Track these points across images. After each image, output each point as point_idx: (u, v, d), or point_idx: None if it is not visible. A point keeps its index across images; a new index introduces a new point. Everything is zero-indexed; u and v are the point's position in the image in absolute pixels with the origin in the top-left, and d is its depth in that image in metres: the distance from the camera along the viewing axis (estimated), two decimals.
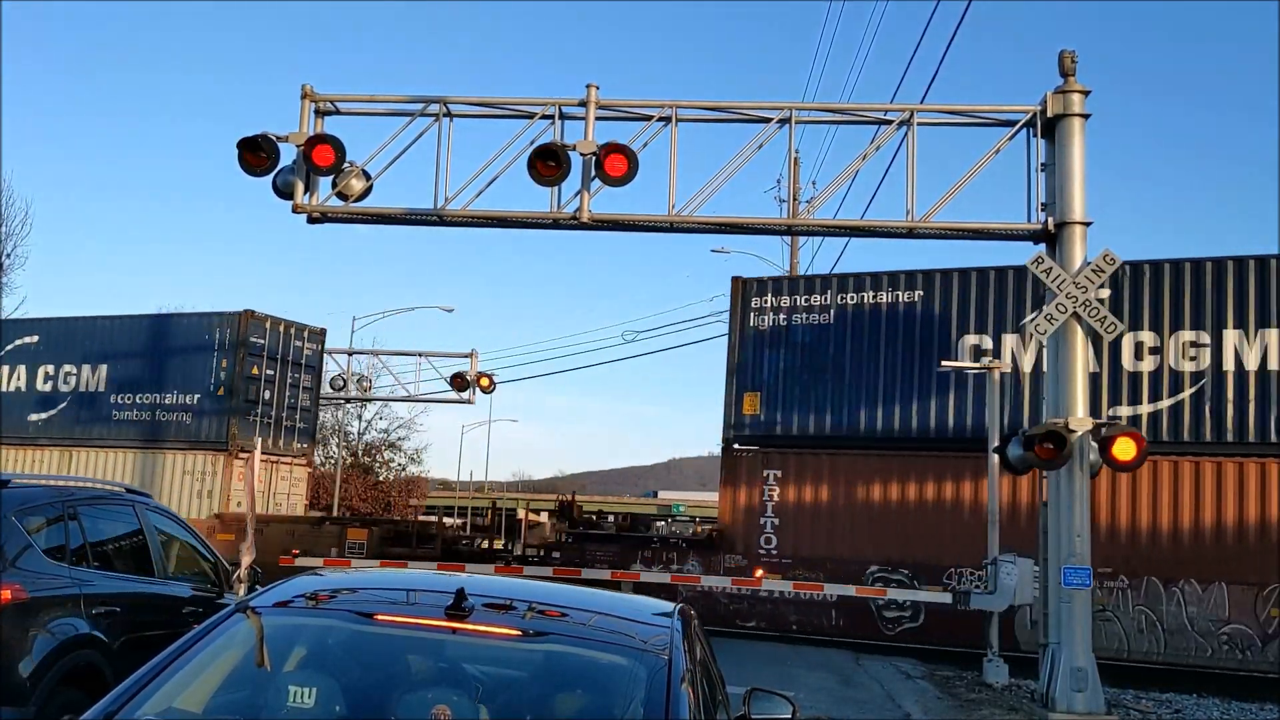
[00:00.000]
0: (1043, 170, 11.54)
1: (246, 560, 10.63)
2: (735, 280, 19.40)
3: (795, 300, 18.84)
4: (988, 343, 17.40)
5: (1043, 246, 11.41)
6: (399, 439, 52.26)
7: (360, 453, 50.54)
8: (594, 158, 11.49)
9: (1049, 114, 11.36)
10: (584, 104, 11.87)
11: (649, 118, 12.05)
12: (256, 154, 11.70)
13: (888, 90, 42.03)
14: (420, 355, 27.20)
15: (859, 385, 18.14)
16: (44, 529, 6.67)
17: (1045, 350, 11.62)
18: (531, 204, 12.18)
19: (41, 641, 6.13)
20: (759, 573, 16.69)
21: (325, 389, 25.01)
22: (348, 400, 34.47)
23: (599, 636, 3.72)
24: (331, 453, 47.61)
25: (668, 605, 4.19)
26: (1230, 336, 15.63)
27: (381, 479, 49.93)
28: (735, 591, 16.42)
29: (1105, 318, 10.84)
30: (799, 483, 18.31)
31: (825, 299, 18.63)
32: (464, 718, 3.27)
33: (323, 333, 23.01)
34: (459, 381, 26.29)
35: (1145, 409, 16.29)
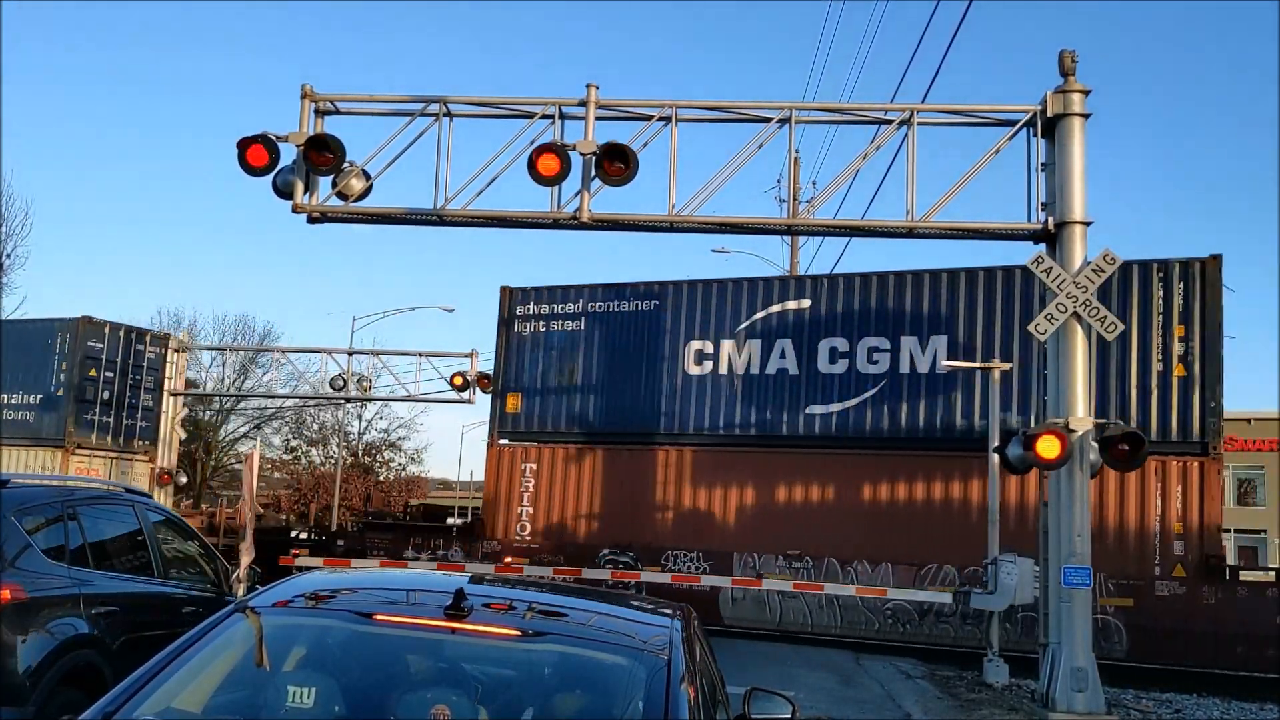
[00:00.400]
0: (1043, 170, 11.51)
1: (246, 560, 10.66)
2: (503, 289, 20.94)
3: (554, 308, 20.53)
4: (709, 347, 19.24)
5: (1043, 246, 11.38)
6: (399, 439, 52.30)
7: (360, 453, 50.53)
8: (594, 157, 11.47)
9: (1049, 114, 11.33)
10: (584, 104, 11.85)
11: (649, 118, 12.04)
12: (256, 154, 11.69)
13: (888, 90, 41.98)
14: (420, 355, 27.13)
15: (600, 385, 19.83)
16: (43, 529, 6.66)
17: (1046, 350, 11.59)
18: (531, 204, 12.15)
19: (41, 641, 6.12)
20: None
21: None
22: (348, 400, 34.40)
23: (598, 636, 3.71)
24: (332, 452, 47.60)
25: (668, 605, 4.19)
26: (907, 343, 16.85)
27: (382, 479, 49.93)
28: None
29: (1105, 317, 10.81)
30: (550, 474, 19.90)
31: (578, 307, 20.34)
32: (463, 718, 3.26)
33: (165, 337, 24.51)
34: (459, 381, 26.28)
35: (836, 407, 18.35)
